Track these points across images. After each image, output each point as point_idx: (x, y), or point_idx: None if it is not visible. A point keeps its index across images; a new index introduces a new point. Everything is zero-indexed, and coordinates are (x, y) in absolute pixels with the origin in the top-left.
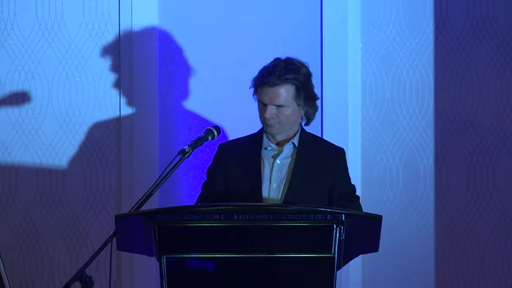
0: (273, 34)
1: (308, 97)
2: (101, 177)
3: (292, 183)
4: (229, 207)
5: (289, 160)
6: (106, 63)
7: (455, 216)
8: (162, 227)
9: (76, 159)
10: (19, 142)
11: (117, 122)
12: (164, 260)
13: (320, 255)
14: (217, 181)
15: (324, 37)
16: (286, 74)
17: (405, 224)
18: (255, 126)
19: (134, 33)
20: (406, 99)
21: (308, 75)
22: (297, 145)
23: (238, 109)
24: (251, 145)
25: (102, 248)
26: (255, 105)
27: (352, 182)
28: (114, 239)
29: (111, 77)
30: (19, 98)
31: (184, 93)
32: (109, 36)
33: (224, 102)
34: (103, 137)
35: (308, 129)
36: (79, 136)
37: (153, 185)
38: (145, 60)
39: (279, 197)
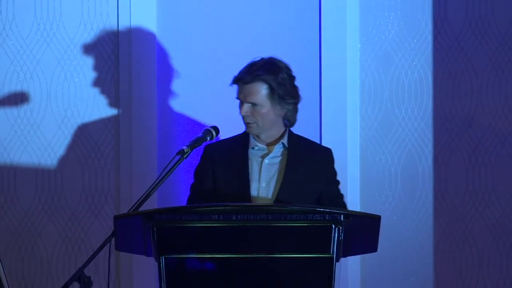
0: (272, 35)
1: (283, 98)
2: (99, 178)
3: (285, 182)
4: (228, 208)
5: (279, 159)
6: (105, 63)
7: (454, 216)
8: (161, 227)
9: (75, 160)
10: (17, 142)
11: (115, 123)
12: (162, 260)
13: (319, 255)
14: (205, 181)
15: (322, 38)
16: (258, 72)
17: (403, 224)
18: None
19: (132, 33)
20: (405, 100)
21: (289, 76)
22: (287, 145)
23: (238, 109)
24: (238, 145)
25: (101, 248)
26: None
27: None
28: (113, 239)
29: (110, 77)
30: (18, 98)
31: (183, 93)
32: (108, 36)
33: (224, 102)
34: (102, 138)
35: (307, 128)
36: (78, 136)
37: (151, 185)
38: (143, 61)
39: (269, 196)
